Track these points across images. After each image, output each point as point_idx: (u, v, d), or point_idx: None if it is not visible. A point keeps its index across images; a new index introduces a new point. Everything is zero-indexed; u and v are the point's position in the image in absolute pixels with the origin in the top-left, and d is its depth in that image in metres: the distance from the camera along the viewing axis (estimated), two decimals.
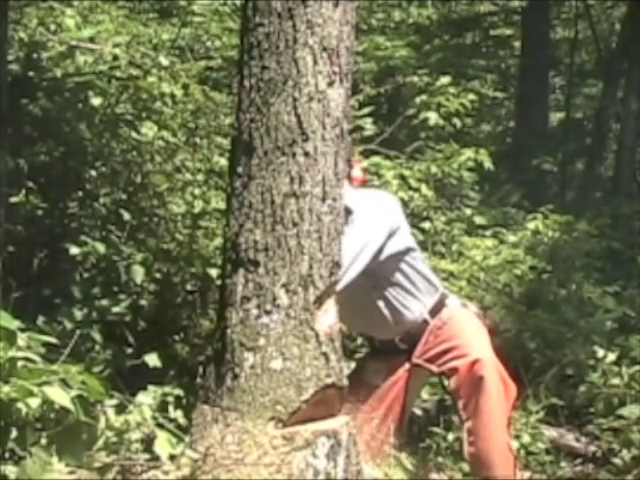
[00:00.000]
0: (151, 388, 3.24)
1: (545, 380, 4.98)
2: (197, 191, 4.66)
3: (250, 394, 2.73)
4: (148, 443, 2.89)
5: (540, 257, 5.97)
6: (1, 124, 3.78)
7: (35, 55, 4.56)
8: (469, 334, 3.55)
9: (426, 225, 5.86)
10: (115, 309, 3.88)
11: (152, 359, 3.66)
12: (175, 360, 3.98)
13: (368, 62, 8.63)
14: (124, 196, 4.53)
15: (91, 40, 4.84)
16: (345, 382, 2.86)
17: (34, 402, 2.52)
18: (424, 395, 4.37)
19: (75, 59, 4.72)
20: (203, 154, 4.73)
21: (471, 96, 6.31)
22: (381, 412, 3.48)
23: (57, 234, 4.33)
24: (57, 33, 5.00)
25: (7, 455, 2.55)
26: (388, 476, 3.28)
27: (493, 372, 3.45)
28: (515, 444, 3.85)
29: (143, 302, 4.09)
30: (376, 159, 5.90)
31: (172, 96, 4.65)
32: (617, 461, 4.06)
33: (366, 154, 5.83)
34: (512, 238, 6.19)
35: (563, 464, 4.40)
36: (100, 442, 2.79)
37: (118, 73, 4.64)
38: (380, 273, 3.43)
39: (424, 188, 5.82)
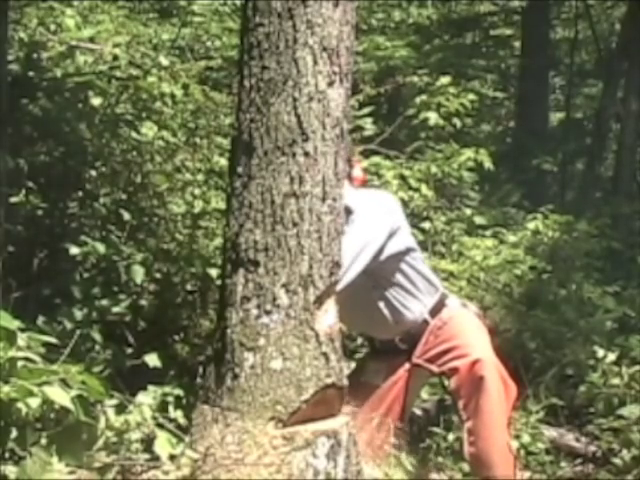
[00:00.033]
0: (151, 388, 3.24)
1: (545, 380, 4.98)
2: (197, 191, 4.66)
3: (250, 394, 2.73)
4: (148, 443, 2.89)
5: (540, 257, 5.97)
6: (1, 124, 3.78)
7: (35, 55, 4.56)
8: (469, 334, 3.55)
9: (426, 225, 5.86)
10: (115, 309, 3.87)
11: (152, 359, 3.66)
12: (175, 360, 3.98)
13: (368, 62, 8.63)
14: (124, 196, 4.53)
15: (91, 40, 4.84)
16: (345, 382, 2.86)
17: (34, 402, 2.52)
18: (424, 395, 4.37)
19: (75, 59, 4.72)
20: (203, 154, 4.73)
21: (471, 96, 6.31)
22: (381, 412, 3.48)
23: (57, 234, 4.33)
24: (57, 33, 5.00)
25: (7, 455, 2.55)
26: (388, 476, 3.28)
27: (493, 372, 3.45)
28: (515, 444, 3.85)
29: (143, 302, 4.09)
30: (376, 159, 5.90)
31: (172, 96, 4.65)
32: (617, 461, 4.06)
33: (366, 154, 5.83)
34: (512, 238, 6.19)
35: (563, 464, 4.40)
36: (100, 442, 2.79)
37: (118, 73, 4.64)
38: (380, 273, 3.43)
39: (424, 188, 5.82)
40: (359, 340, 4.47)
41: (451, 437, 4.10)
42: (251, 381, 2.73)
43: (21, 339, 2.69)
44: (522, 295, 5.70)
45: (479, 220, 6.36)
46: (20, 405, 2.52)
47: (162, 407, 3.17)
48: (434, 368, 3.55)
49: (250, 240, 2.79)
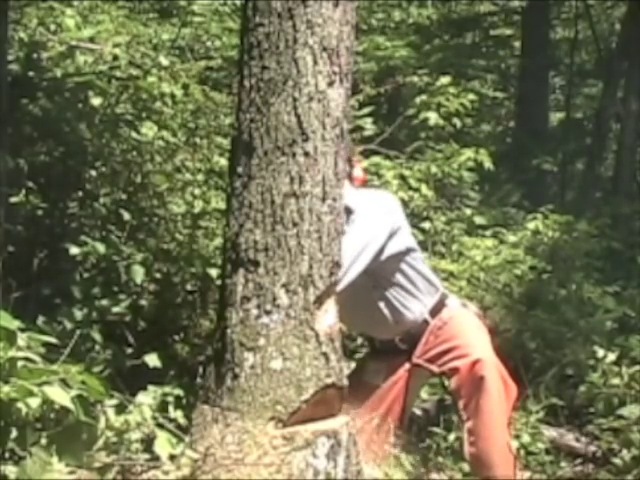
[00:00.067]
0: (151, 388, 3.24)
1: (545, 380, 4.98)
2: (197, 191, 4.66)
3: (250, 394, 2.73)
4: (148, 443, 2.89)
5: (540, 257, 5.97)
6: (1, 124, 3.78)
7: (35, 55, 4.56)
8: (469, 334, 3.55)
9: (426, 225, 5.86)
10: (115, 309, 3.88)
11: (152, 359, 3.66)
12: (175, 360, 3.98)
13: (368, 62, 8.63)
14: (124, 196, 4.53)
15: (91, 40, 4.84)
16: (345, 382, 2.86)
17: (34, 402, 2.52)
18: (424, 395, 4.37)
19: (75, 59, 4.72)
20: (203, 154, 4.73)
21: (471, 96, 6.31)
22: (381, 412, 3.48)
23: (57, 234, 4.33)
24: (57, 33, 5.00)
25: (7, 455, 2.55)
26: (388, 476, 3.28)
27: (494, 372, 3.45)
28: (515, 444, 3.85)
29: (143, 302, 4.09)
30: (376, 159, 5.90)
31: (172, 96, 4.65)
32: (617, 461, 4.06)
33: (366, 154, 5.83)
34: (512, 238, 6.19)
35: (563, 464, 4.39)
36: (100, 442, 2.79)
37: (118, 73, 4.64)
38: (381, 273, 3.43)
39: (424, 188, 5.82)
40: (359, 340, 4.47)
41: (451, 437, 4.10)
42: (251, 381, 2.73)
43: (21, 339, 2.69)
44: (522, 295, 5.70)
45: (479, 220, 6.36)
46: (20, 405, 2.52)
47: (162, 407, 3.17)
48: (434, 368, 3.55)
49: (250, 240, 2.79)
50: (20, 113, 4.28)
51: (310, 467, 2.71)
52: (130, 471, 2.79)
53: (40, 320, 3.59)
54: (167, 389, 3.25)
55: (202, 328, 4.30)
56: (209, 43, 8.10)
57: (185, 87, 4.73)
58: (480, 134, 10.73)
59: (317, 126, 2.81)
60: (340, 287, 2.97)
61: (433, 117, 6.19)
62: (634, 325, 5.95)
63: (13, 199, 4.15)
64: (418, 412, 4.31)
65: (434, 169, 5.95)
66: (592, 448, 4.52)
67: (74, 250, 3.95)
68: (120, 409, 2.96)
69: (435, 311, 3.56)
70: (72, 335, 3.27)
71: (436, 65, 9.20)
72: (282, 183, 2.78)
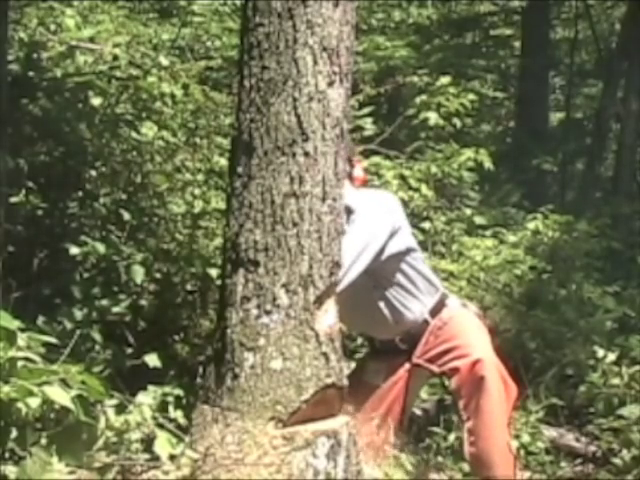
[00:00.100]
0: (151, 388, 3.24)
1: (545, 380, 4.99)
2: (197, 191, 4.66)
3: (250, 394, 2.73)
4: (148, 443, 2.89)
5: (540, 257, 5.97)
6: (1, 124, 3.78)
7: (35, 55, 4.56)
8: (470, 334, 3.55)
9: (426, 225, 5.86)
10: (115, 309, 3.87)
11: (152, 359, 3.66)
12: (175, 360, 3.98)
13: (368, 62, 8.63)
14: (124, 196, 4.53)
15: (91, 40, 4.84)
16: (345, 382, 2.86)
17: (34, 402, 2.52)
18: (424, 395, 4.37)
19: (75, 59, 4.72)
20: (203, 154, 4.73)
21: (471, 96, 6.31)
22: (381, 412, 3.48)
23: (57, 234, 4.33)
24: (57, 33, 5.00)
25: (7, 455, 2.55)
26: (388, 476, 3.28)
27: (494, 372, 3.45)
28: (515, 444, 3.85)
29: (143, 302, 4.09)
30: (376, 159, 5.90)
31: (172, 96, 4.65)
32: (617, 461, 4.06)
33: (366, 154, 5.83)
34: (512, 238, 6.19)
35: (563, 464, 4.40)
36: (100, 442, 2.79)
37: (118, 73, 4.64)
38: (381, 273, 3.43)
39: (424, 188, 5.82)
40: (359, 340, 4.47)
41: (451, 437, 4.10)
42: (251, 381, 2.73)
43: (21, 339, 2.69)
44: (522, 295, 5.70)
45: (479, 220, 6.36)
46: (20, 405, 2.52)
47: (162, 407, 3.17)
48: (434, 368, 3.55)
49: (250, 240, 2.79)
50: (20, 113, 4.28)
51: (310, 467, 2.71)
52: (130, 471, 2.79)
53: (40, 320, 3.59)
54: (167, 389, 3.25)
55: (202, 328, 4.29)
56: (209, 43, 8.10)
57: (185, 87, 4.73)
58: (480, 134, 10.73)
59: (317, 126, 2.81)
60: (341, 287, 2.97)
61: (433, 117, 6.18)
62: (634, 325, 5.95)
63: (13, 199, 4.14)
64: (418, 412, 4.32)
65: (434, 169, 5.94)
66: (592, 448, 4.52)
67: (74, 250, 3.95)
68: (120, 409, 2.96)
69: (435, 311, 3.56)
70: (72, 335, 3.27)
71: (436, 65, 9.20)
72: (282, 183, 2.78)
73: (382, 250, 3.35)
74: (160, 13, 8.52)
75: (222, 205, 4.30)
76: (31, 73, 4.45)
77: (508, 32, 12.17)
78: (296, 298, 2.76)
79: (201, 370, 2.89)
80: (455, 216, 6.16)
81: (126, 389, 3.16)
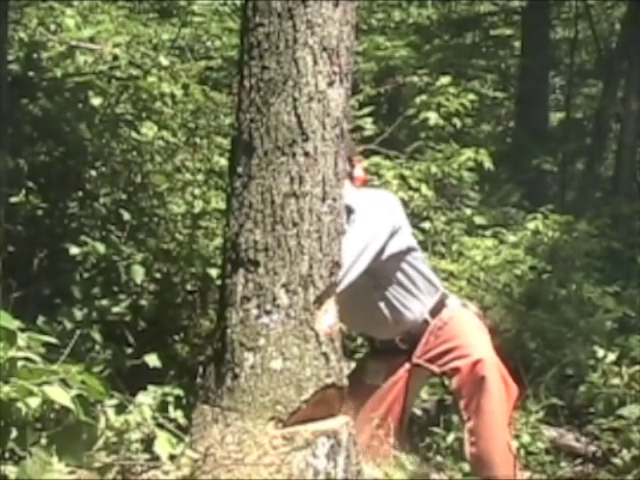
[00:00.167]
0: (151, 388, 3.24)
1: (545, 380, 4.99)
2: (197, 191, 4.65)
3: (250, 394, 2.73)
4: (148, 443, 2.89)
5: (540, 257, 5.97)
6: (1, 124, 3.78)
7: (35, 55, 4.56)
8: (470, 334, 3.55)
9: (426, 225, 5.86)
10: (115, 309, 3.87)
11: (152, 359, 3.66)
12: (175, 360, 3.98)
13: (368, 62, 8.63)
14: (124, 196, 4.52)
15: (91, 40, 4.84)
16: (345, 382, 2.86)
17: (34, 402, 2.52)
18: (424, 395, 4.37)
19: (75, 59, 4.72)
20: (203, 154, 4.73)
21: (471, 96, 6.31)
22: (381, 412, 3.48)
23: (57, 234, 4.33)
24: (57, 33, 5.00)
25: (7, 455, 2.55)
26: (388, 476, 3.28)
27: (494, 372, 3.45)
28: (515, 444, 3.85)
29: (143, 302, 4.09)
30: (376, 159, 5.90)
31: (172, 96, 4.65)
32: (617, 461, 4.06)
33: (366, 154, 5.83)
34: (512, 238, 6.19)
35: (563, 464, 4.39)
36: (100, 442, 2.79)
37: (118, 73, 4.64)
38: (381, 273, 3.43)
39: (424, 188, 5.82)
40: (359, 340, 4.47)
41: (451, 437, 4.09)
42: (251, 381, 2.73)
43: (21, 339, 2.69)
44: (522, 295, 5.70)
45: (479, 220, 6.36)
46: (20, 405, 2.52)
47: (162, 407, 3.17)
48: (435, 368, 3.55)
49: (250, 240, 2.78)
50: (20, 113, 4.28)
51: (310, 467, 2.71)
52: (130, 471, 2.79)
53: (40, 320, 3.59)
54: (167, 389, 3.25)
55: (202, 328, 4.29)
56: (209, 43, 8.09)
57: (185, 87, 4.73)
58: (480, 134, 10.73)
59: (317, 126, 2.81)
60: (341, 287, 2.97)
61: (433, 117, 6.18)
62: (634, 325, 5.95)
63: (13, 199, 4.14)
64: (418, 412, 4.32)
65: (434, 169, 5.94)
66: (592, 448, 4.52)
67: (74, 250, 3.95)
68: (120, 409, 2.96)
69: (435, 311, 3.57)
70: (72, 335, 3.27)
71: (436, 65, 9.20)
72: (282, 183, 2.78)
73: (382, 250, 3.35)
74: (160, 13, 8.52)
75: (222, 205, 4.30)
76: (31, 73, 4.45)
77: (508, 32, 12.17)
78: (296, 298, 2.76)
79: (201, 370, 2.88)
80: (455, 216, 6.16)
81: (126, 389, 3.16)
